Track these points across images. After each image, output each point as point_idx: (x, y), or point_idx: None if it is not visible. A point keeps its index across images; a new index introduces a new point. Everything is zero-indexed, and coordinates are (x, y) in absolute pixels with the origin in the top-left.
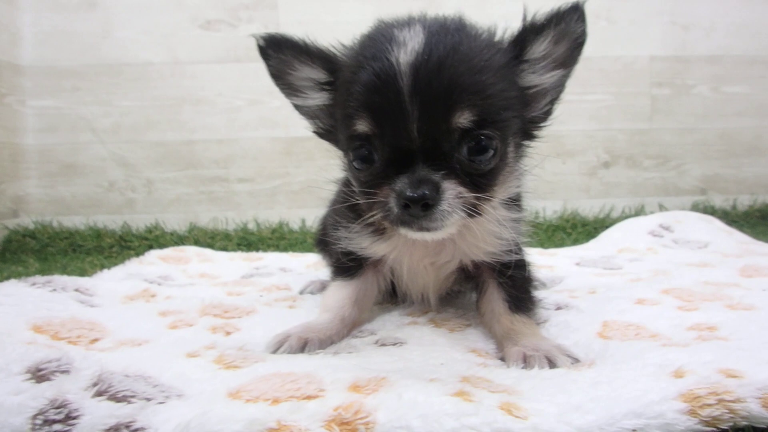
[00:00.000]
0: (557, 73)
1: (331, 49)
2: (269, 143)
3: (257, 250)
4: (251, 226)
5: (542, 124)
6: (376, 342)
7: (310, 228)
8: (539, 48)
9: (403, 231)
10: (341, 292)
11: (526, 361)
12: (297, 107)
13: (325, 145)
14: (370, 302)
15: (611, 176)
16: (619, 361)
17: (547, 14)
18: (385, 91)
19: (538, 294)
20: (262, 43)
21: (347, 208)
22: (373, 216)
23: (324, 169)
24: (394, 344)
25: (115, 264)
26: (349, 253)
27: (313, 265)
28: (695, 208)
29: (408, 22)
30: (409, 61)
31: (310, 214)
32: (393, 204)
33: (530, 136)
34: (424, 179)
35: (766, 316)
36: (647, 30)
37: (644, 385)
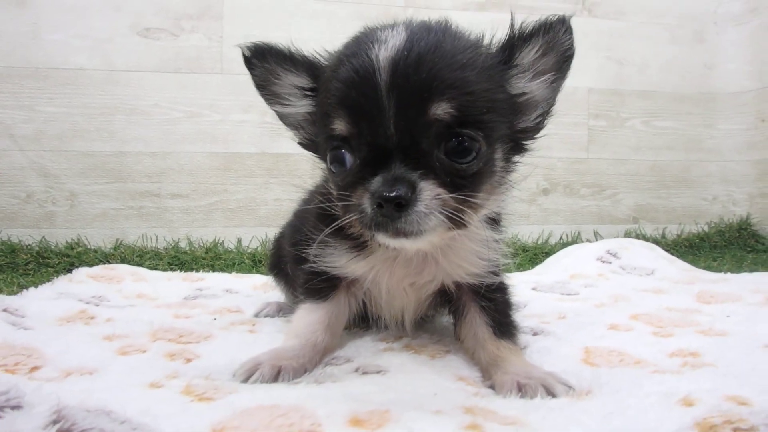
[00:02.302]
0: (546, 84)
1: (315, 55)
2: (207, 158)
3: (191, 269)
4: (183, 244)
5: (534, 136)
6: (356, 370)
7: (246, 248)
8: (528, 55)
9: (380, 237)
10: (312, 316)
11: (522, 390)
12: (281, 117)
13: (267, 163)
14: (341, 326)
15: (550, 203)
16: (617, 389)
17: (535, 23)
18: (363, 87)
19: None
20: (247, 53)
21: (321, 221)
22: (348, 220)
23: (264, 187)
24: (377, 372)
25: (33, 282)
26: (321, 273)
27: (261, 287)
28: (628, 236)
29: (392, 25)
30: (388, 57)
31: (248, 233)
32: (367, 205)
33: (521, 149)
34: (399, 178)
35: (743, 341)
36: (586, 64)
37: (658, 414)
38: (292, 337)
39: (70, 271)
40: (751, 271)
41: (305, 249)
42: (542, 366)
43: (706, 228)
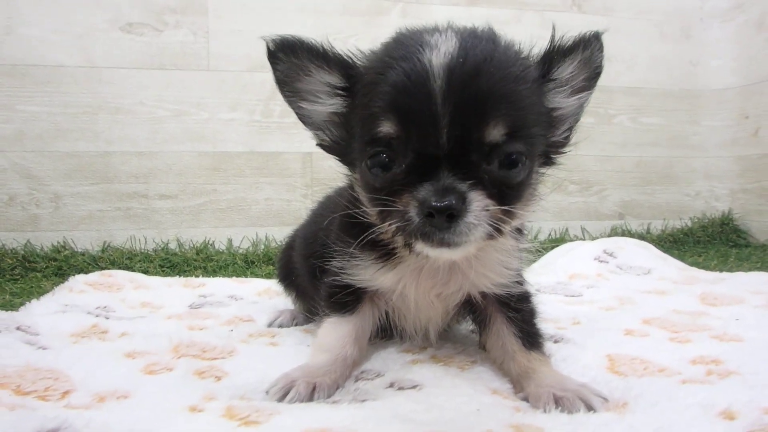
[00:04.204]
0: (577, 98)
1: (349, 55)
2: (195, 158)
3: (184, 271)
4: (173, 245)
5: (562, 150)
6: (391, 386)
7: (237, 248)
8: (566, 70)
9: (421, 246)
10: (339, 330)
11: (559, 403)
12: (302, 117)
13: (256, 162)
14: (367, 339)
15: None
16: (653, 401)
17: (575, 39)
18: (416, 92)
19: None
20: (272, 46)
21: (348, 232)
22: (387, 227)
23: (255, 186)
24: (412, 388)
25: (22, 288)
26: (345, 286)
27: (264, 292)
28: (614, 231)
29: (437, 28)
30: (443, 64)
31: (238, 233)
32: (414, 213)
33: (550, 162)
34: (449, 188)
35: (759, 347)
36: None
37: (705, 429)
38: (321, 352)
39: (58, 275)
40: (737, 266)
41: (328, 262)
42: (570, 376)
43: (689, 223)
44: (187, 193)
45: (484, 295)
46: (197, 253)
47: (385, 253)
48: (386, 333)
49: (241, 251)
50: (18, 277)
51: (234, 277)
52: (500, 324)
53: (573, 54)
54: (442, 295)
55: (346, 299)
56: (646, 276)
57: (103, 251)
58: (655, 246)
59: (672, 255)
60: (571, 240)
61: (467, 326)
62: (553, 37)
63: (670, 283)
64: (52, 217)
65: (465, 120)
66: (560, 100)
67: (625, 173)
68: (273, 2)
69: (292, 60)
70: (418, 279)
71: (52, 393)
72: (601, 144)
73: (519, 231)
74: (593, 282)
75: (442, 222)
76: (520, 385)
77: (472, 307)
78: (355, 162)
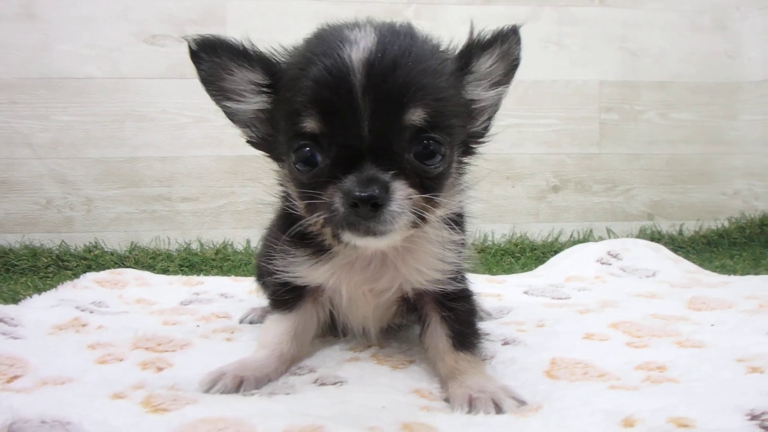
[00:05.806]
0: (496, 92)
1: (271, 52)
2: (215, 162)
3: (200, 271)
4: (194, 246)
5: (481, 140)
6: (315, 381)
7: (254, 249)
8: (485, 64)
9: (348, 236)
10: (279, 327)
11: (472, 405)
12: (229, 114)
13: (274, 165)
14: (309, 336)
15: (560, 200)
16: (566, 405)
17: (493, 33)
18: (336, 86)
19: (485, 326)
20: (194, 46)
21: (282, 229)
22: (315, 219)
23: (271, 189)
24: (334, 384)
25: (51, 285)
26: (285, 284)
27: (254, 291)
28: (643, 232)
29: (357, 24)
30: (362, 58)
31: (256, 234)
32: (339, 204)
33: (470, 152)
34: (373, 178)
35: (717, 354)
36: (597, 55)
37: None
38: (260, 348)
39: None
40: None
41: (270, 261)
42: (502, 378)
43: (726, 224)
44: (207, 195)
45: (420, 293)
46: (216, 253)
47: (318, 249)
48: (339, 331)
49: (258, 251)
50: (51, 274)
51: (232, 276)
52: (435, 323)
53: (491, 48)
54: (374, 290)
55: (286, 297)
56: (649, 279)
57: (130, 251)
58: (687, 248)
59: (704, 257)
60: (596, 242)
61: None
62: (471, 31)
63: (668, 286)
64: (84, 219)
65: (385, 111)
66: (479, 93)
67: (655, 171)
68: (287, 10)
69: (213, 59)
70: (350, 273)
71: (1, 377)
72: (627, 141)
73: (456, 223)
74: (588, 285)
75: (367, 211)
76: (446, 386)
77: (414, 305)
78: (283, 157)
